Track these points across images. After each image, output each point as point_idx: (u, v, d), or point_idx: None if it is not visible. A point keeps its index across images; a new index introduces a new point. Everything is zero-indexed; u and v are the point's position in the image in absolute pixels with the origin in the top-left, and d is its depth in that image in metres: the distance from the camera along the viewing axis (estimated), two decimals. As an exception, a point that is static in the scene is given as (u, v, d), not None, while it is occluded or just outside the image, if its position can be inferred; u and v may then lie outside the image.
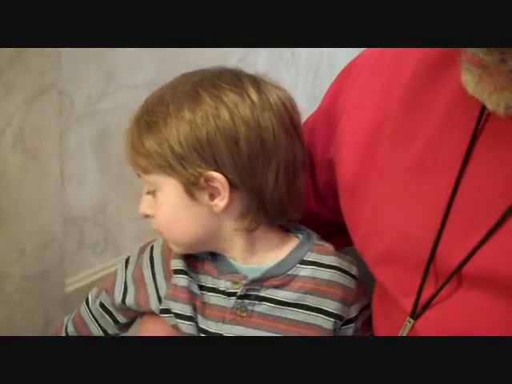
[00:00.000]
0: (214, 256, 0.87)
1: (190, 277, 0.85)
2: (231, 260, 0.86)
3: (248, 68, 2.12)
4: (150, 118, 0.83)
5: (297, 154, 0.84)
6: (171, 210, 0.83)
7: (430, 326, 0.75)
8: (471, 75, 0.67)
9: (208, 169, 0.80)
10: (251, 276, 0.84)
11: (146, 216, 0.87)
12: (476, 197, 0.73)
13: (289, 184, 0.84)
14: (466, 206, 0.73)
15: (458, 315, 0.73)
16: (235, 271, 0.85)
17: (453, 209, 0.74)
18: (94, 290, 0.96)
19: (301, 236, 0.87)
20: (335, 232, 0.93)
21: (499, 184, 0.71)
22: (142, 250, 0.92)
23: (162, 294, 0.87)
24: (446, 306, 0.74)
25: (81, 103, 1.60)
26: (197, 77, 0.84)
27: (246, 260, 0.86)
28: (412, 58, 0.81)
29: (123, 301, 0.90)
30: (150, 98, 0.86)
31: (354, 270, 0.87)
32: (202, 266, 0.87)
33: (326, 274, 0.85)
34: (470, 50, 0.64)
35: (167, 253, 0.88)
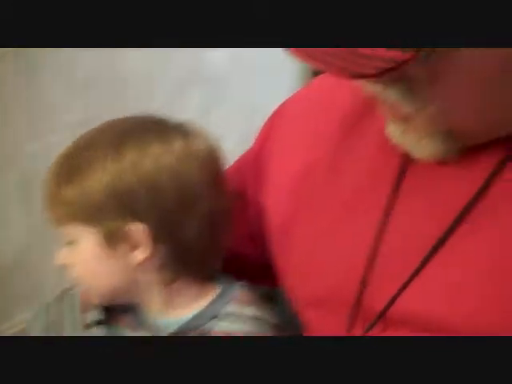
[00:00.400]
0: (135, 308, 0.85)
1: (109, 329, 0.84)
2: (149, 312, 0.85)
3: (179, 110, 2.13)
4: (71, 166, 0.81)
5: (221, 204, 0.84)
6: (90, 261, 0.81)
7: None
8: (396, 126, 0.69)
9: (129, 220, 0.79)
10: (167, 330, 0.83)
11: (65, 265, 0.84)
12: (400, 241, 0.74)
13: (212, 235, 0.83)
14: (391, 250, 0.74)
15: None
16: (152, 324, 0.84)
17: (379, 252, 0.75)
18: None
19: (221, 287, 0.86)
20: (265, 274, 0.93)
21: (422, 227, 0.72)
22: (61, 297, 0.90)
23: None
24: None
25: (5, 147, 1.57)
26: (122, 125, 0.83)
27: (164, 312, 0.84)
28: (340, 102, 0.82)
29: None
30: (72, 146, 0.84)
31: (274, 320, 0.87)
32: (121, 318, 0.86)
33: (243, 326, 0.82)
34: (393, 98, 0.65)
35: (85, 303, 0.87)
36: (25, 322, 1.52)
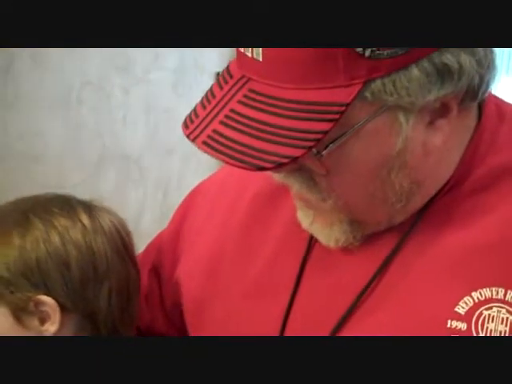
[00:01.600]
0: None
1: None
2: None
3: (93, 189, 2.10)
4: None
5: (130, 277, 0.85)
6: None
7: None
8: (305, 214, 0.74)
9: (38, 293, 0.79)
10: None
11: None
12: (309, 314, 0.76)
13: (122, 306, 0.84)
14: (298, 326, 0.76)
15: None
16: None
17: (288, 325, 0.77)
18: None
19: None
20: None
21: (327, 306, 0.75)
22: None
23: None
24: None
25: None
26: (28, 202, 0.84)
27: None
28: (252, 185, 0.85)
29: None
30: None
31: None
32: None
33: None
34: (296, 187, 0.70)
35: None
36: None
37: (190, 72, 2.25)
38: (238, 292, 0.81)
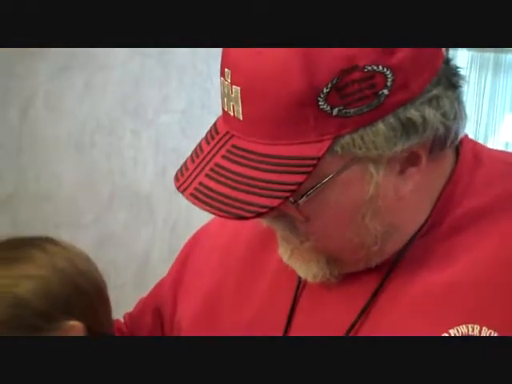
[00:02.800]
0: None
1: None
2: None
3: (105, 227, 2.12)
4: None
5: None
6: None
7: None
8: (284, 249, 0.78)
9: (68, 319, 0.82)
10: None
11: None
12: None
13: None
14: None
15: None
16: None
17: None
18: None
19: None
20: None
21: (318, 335, 0.77)
22: None
23: None
24: None
25: None
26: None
27: None
28: (247, 227, 0.88)
29: None
30: None
31: None
32: None
33: None
34: (279, 231, 0.75)
35: None
36: None
37: (197, 113, 2.30)
38: (234, 328, 0.84)
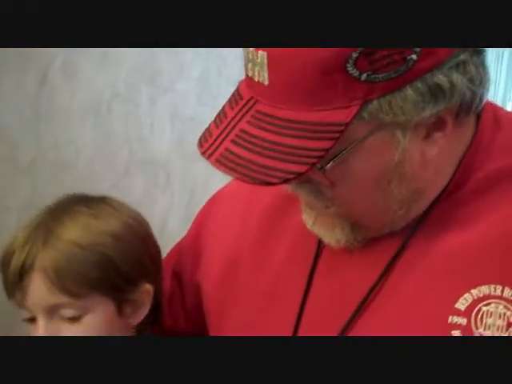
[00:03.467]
0: None
1: None
2: None
3: (122, 194, 2.15)
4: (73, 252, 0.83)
5: None
6: (97, 331, 0.83)
7: None
8: (308, 215, 0.79)
9: (143, 282, 0.84)
10: None
11: None
12: (320, 314, 0.81)
13: None
14: (312, 323, 0.81)
15: None
16: None
17: (301, 325, 0.81)
18: None
19: None
20: None
21: (336, 305, 0.79)
22: None
23: None
24: None
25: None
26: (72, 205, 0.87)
27: None
28: (265, 193, 0.90)
29: None
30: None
31: None
32: None
33: None
34: (303, 196, 0.75)
35: None
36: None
37: (214, 81, 2.29)
38: (253, 297, 0.86)
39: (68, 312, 0.82)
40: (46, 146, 1.74)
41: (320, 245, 0.82)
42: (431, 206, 0.76)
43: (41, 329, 0.81)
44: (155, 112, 2.11)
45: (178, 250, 0.99)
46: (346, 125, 0.65)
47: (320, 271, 0.82)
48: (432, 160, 0.72)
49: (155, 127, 2.12)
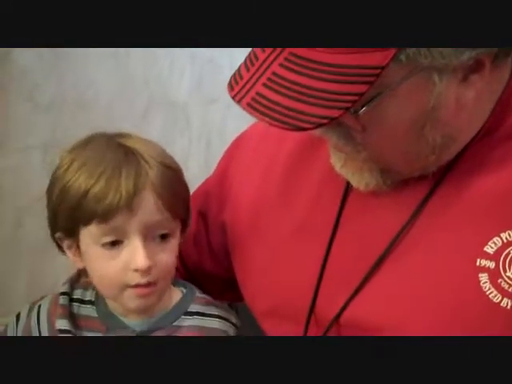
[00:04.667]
0: (101, 313, 0.89)
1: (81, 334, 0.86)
2: (119, 315, 0.88)
3: (142, 133, 2.14)
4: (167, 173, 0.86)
5: None
6: (174, 254, 0.86)
7: None
8: (337, 158, 0.78)
9: None
10: (138, 329, 0.87)
11: (145, 270, 0.83)
12: (347, 255, 0.81)
13: None
14: (338, 266, 0.82)
15: None
16: (123, 326, 0.87)
17: (328, 266, 0.82)
18: None
19: (184, 290, 0.91)
20: (229, 287, 0.98)
21: (364, 247, 0.80)
22: (31, 308, 0.92)
23: None
24: None
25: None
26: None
27: (133, 314, 0.87)
28: (291, 136, 0.89)
29: None
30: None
31: (233, 319, 0.91)
32: (86, 323, 0.88)
33: (208, 322, 0.88)
34: (333, 141, 0.74)
35: (53, 312, 0.89)
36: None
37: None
38: (279, 237, 0.87)
39: (163, 231, 0.85)
40: (66, 87, 1.74)
41: (348, 187, 0.82)
42: (463, 150, 0.75)
43: (140, 248, 0.83)
44: (174, 53, 2.10)
45: (203, 191, 1.00)
46: (383, 68, 0.64)
47: (347, 213, 0.82)
48: (467, 104, 0.71)
49: (174, 69, 2.11)
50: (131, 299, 0.85)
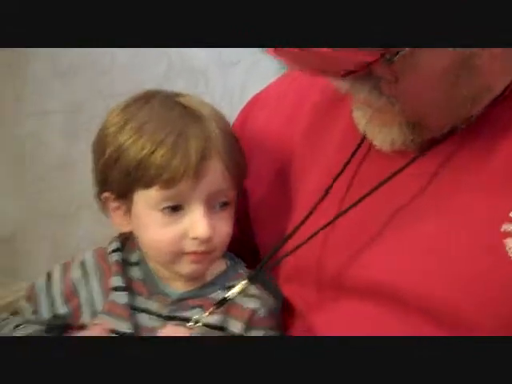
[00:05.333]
0: (144, 276, 0.87)
1: (128, 295, 0.84)
2: (160, 281, 0.87)
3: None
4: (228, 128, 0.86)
5: None
6: (232, 222, 0.85)
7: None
8: (362, 113, 0.77)
9: None
10: (175, 297, 0.85)
11: (205, 239, 0.82)
12: (360, 218, 0.80)
13: None
14: (349, 226, 0.81)
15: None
16: (162, 292, 0.86)
17: (338, 226, 0.81)
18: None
19: (229, 262, 0.88)
20: (249, 253, 0.98)
21: (383, 207, 0.78)
22: (65, 267, 0.90)
23: (97, 308, 0.86)
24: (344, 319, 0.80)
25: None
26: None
27: (174, 281, 0.86)
28: (310, 97, 0.88)
29: (55, 315, 0.88)
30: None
31: (270, 301, 0.87)
32: (135, 286, 0.86)
33: (243, 300, 0.84)
34: (362, 94, 0.72)
35: (105, 268, 0.87)
36: (21, 291, 1.55)
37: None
38: (301, 197, 0.86)
39: (224, 199, 0.83)
40: (85, 51, 1.74)
41: (370, 149, 0.80)
42: (493, 105, 0.74)
43: (202, 216, 0.81)
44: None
45: None
46: None
47: (364, 174, 0.81)
48: (498, 54, 0.69)
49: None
50: (185, 265, 0.83)
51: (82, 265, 0.89)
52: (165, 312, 0.84)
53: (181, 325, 0.82)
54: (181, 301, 0.85)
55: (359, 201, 0.79)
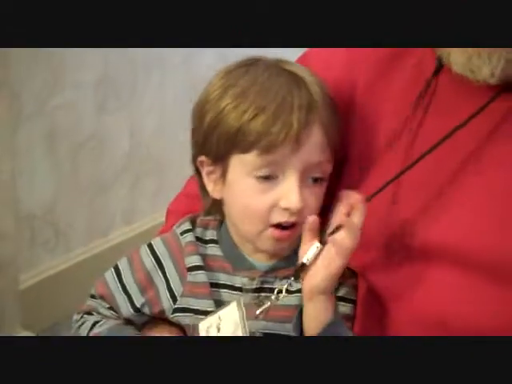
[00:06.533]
0: (227, 252, 0.86)
1: (207, 273, 0.84)
2: (246, 255, 0.86)
3: (193, 68, 2.14)
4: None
5: None
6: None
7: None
8: (461, 53, 0.75)
9: None
10: (264, 270, 0.84)
11: (296, 211, 0.79)
12: (427, 168, 0.79)
13: None
14: (416, 178, 0.80)
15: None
16: (250, 266, 0.85)
17: (405, 180, 0.80)
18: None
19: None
20: None
21: (444, 158, 0.78)
22: (132, 257, 0.89)
23: (176, 293, 0.86)
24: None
25: (30, 102, 1.63)
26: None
27: (261, 254, 0.85)
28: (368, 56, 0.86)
29: (135, 309, 0.87)
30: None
31: (348, 280, 0.86)
32: (214, 263, 0.86)
33: None
34: None
35: (176, 251, 0.86)
36: (49, 270, 1.57)
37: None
38: (371, 152, 0.85)
39: (318, 174, 0.81)
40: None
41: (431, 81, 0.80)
42: None
43: (296, 187, 0.79)
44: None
45: None
46: None
47: (432, 109, 0.81)
48: None
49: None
50: (267, 240, 0.82)
51: (153, 252, 0.88)
52: (254, 285, 0.84)
53: (268, 296, 0.82)
54: (269, 272, 0.84)
55: (429, 151, 0.78)
